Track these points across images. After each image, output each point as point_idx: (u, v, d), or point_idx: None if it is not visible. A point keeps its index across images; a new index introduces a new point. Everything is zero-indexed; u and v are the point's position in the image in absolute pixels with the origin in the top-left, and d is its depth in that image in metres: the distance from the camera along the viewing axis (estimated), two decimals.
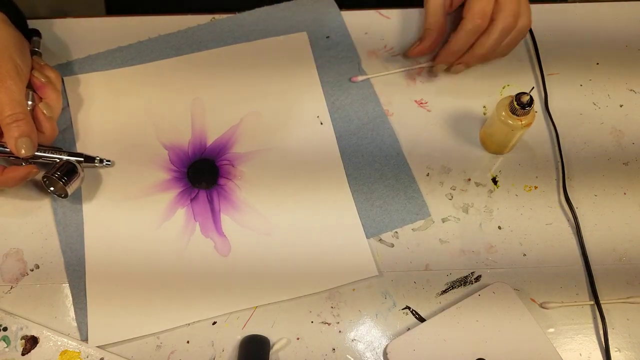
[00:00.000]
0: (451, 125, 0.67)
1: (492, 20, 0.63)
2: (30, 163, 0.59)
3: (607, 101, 0.69)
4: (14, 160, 0.59)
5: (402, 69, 0.69)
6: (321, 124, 0.66)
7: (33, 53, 0.63)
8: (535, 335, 0.56)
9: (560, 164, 0.64)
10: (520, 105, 0.58)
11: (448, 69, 0.68)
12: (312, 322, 0.58)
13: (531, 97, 0.58)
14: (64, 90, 0.66)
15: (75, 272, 0.59)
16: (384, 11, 0.73)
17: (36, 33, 0.66)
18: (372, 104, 0.67)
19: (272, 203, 0.62)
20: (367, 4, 0.73)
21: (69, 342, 0.56)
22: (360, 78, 0.68)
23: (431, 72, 0.69)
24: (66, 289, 0.58)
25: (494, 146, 0.64)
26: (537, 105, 0.68)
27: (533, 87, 0.62)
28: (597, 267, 0.60)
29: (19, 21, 0.63)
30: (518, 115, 0.59)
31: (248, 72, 0.69)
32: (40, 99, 0.60)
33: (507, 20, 0.62)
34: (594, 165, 0.65)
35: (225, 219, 0.62)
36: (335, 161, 0.64)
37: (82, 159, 0.61)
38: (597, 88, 0.69)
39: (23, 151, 0.56)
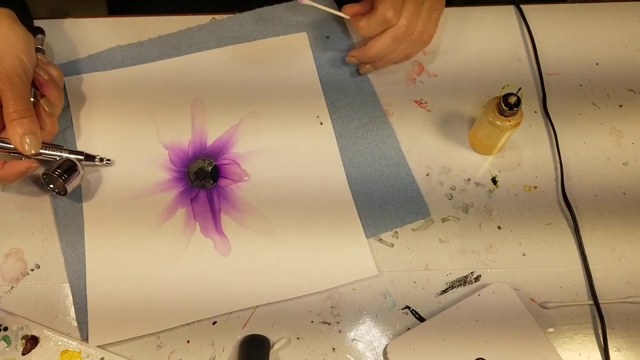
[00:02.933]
0: (451, 126, 0.67)
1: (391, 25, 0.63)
2: (31, 159, 0.59)
3: (606, 101, 0.69)
4: (15, 156, 0.59)
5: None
6: (321, 124, 0.66)
7: (37, 50, 0.63)
8: (535, 335, 0.56)
9: (559, 164, 0.65)
10: (508, 106, 0.58)
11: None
12: (312, 322, 0.58)
13: (518, 98, 0.58)
14: (65, 90, 0.66)
15: (76, 271, 0.59)
16: None
17: (40, 31, 0.67)
18: (372, 104, 0.67)
19: (272, 203, 0.62)
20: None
21: (70, 341, 0.56)
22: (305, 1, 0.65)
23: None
24: (66, 289, 0.59)
25: (483, 147, 0.65)
26: (536, 106, 0.68)
27: (520, 88, 0.62)
28: (597, 267, 0.60)
29: (25, 17, 0.63)
30: (506, 116, 0.59)
31: (248, 72, 0.69)
32: (42, 95, 0.60)
33: (399, 30, 0.63)
34: (594, 165, 0.65)
35: (225, 219, 0.62)
36: (335, 161, 0.64)
37: (83, 157, 0.61)
38: (596, 88, 0.69)
39: (28, 148, 0.57)
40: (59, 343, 0.56)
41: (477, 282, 0.60)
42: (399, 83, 0.69)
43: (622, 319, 0.59)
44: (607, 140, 0.67)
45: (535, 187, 0.64)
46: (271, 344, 0.56)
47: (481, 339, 0.56)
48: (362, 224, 0.62)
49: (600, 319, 0.58)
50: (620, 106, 0.69)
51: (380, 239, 0.61)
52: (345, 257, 0.60)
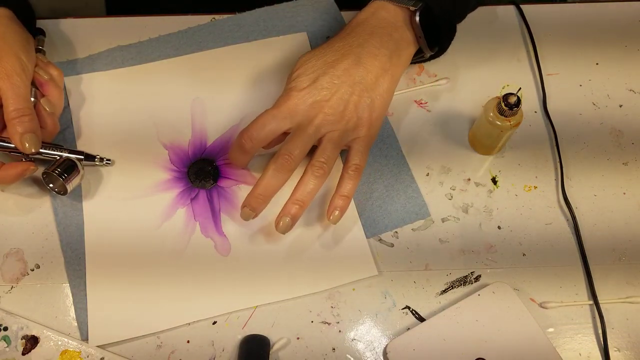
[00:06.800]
0: (451, 126, 0.67)
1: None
2: (31, 159, 0.59)
3: (606, 101, 0.69)
4: (15, 155, 0.59)
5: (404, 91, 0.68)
6: None
7: (37, 51, 0.63)
8: (535, 335, 0.56)
9: (559, 164, 0.65)
10: (508, 106, 0.58)
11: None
12: (312, 322, 0.58)
13: (518, 98, 0.58)
14: (65, 90, 0.66)
15: (76, 271, 0.59)
16: None
17: (40, 32, 0.67)
18: None
19: (272, 203, 0.62)
20: (367, 4, 0.73)
21: (70, 341, 0.56)
22: None
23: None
24: (67, 289, 0.59)
25: (483, 147, 0.65)
26: (536, 106, 0.68)
27: (520, 88, 0.62)
28: (597, 267, 0.60)
29: (27, 18, 0.63)
30: (506, 116, 0.59)
31: (248, 72, 0.69)
32: (43, 95, 0.60)
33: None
34: (594, 165, 0.65)
35: (225, 219, 0.62)
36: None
37: (83, 157, 0.61)
38: (596, 88, 0.69)
39: (28, 146, 0.57)
40: (59, 343, 0.56)
41: (477, 282, 0.60)
42: (399, 83, 0.69)
43: (622, 319, 0.59)
44: (607, 141, 0.67)
45: (536, 187, 0.64)
46: (271, 344, 0.56)
47: (481, 339, 0.56)
48: (362, 224, 0.62)
49: (600, 319, 0.58)
50: (620, 106, 0.69)
51: (380, 239, 0.61)
52: (345, 257, 0.60)
